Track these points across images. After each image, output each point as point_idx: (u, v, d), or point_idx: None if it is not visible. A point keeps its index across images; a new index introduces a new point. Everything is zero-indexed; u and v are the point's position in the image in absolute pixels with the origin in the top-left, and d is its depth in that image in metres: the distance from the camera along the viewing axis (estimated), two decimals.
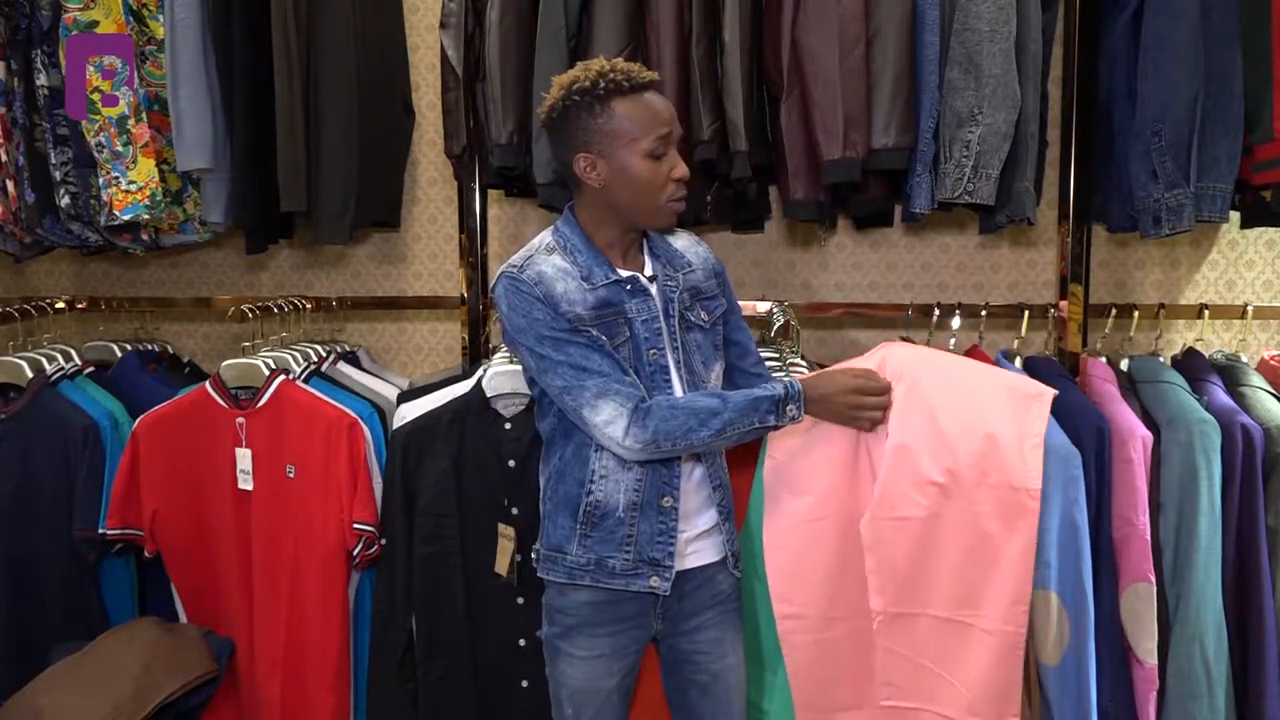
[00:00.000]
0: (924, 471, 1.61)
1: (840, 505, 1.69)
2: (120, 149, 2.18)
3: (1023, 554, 1.59)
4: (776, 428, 1.61)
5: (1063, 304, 2.14)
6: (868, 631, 1.69)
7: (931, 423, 1.63)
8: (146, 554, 2.20)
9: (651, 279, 1.66)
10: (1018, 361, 2.07)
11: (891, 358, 1.72)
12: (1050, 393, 1.65)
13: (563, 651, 1.69)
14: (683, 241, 1.74)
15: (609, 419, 1.56)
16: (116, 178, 2.18)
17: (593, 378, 1.56)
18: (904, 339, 1.99)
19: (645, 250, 1.69)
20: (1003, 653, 1.61)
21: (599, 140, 1.57)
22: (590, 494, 1.63)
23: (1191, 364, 2.06)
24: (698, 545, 1.68)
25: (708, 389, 1.66)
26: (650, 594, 1.66)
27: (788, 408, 1.58)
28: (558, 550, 1.66)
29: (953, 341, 2.15)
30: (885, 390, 1.66)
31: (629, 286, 1.62)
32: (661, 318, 1.63)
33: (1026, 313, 2.17)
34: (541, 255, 1.63)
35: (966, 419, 1.63)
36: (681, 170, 1.60)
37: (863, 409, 1.65)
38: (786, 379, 1.64)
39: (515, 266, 1.62)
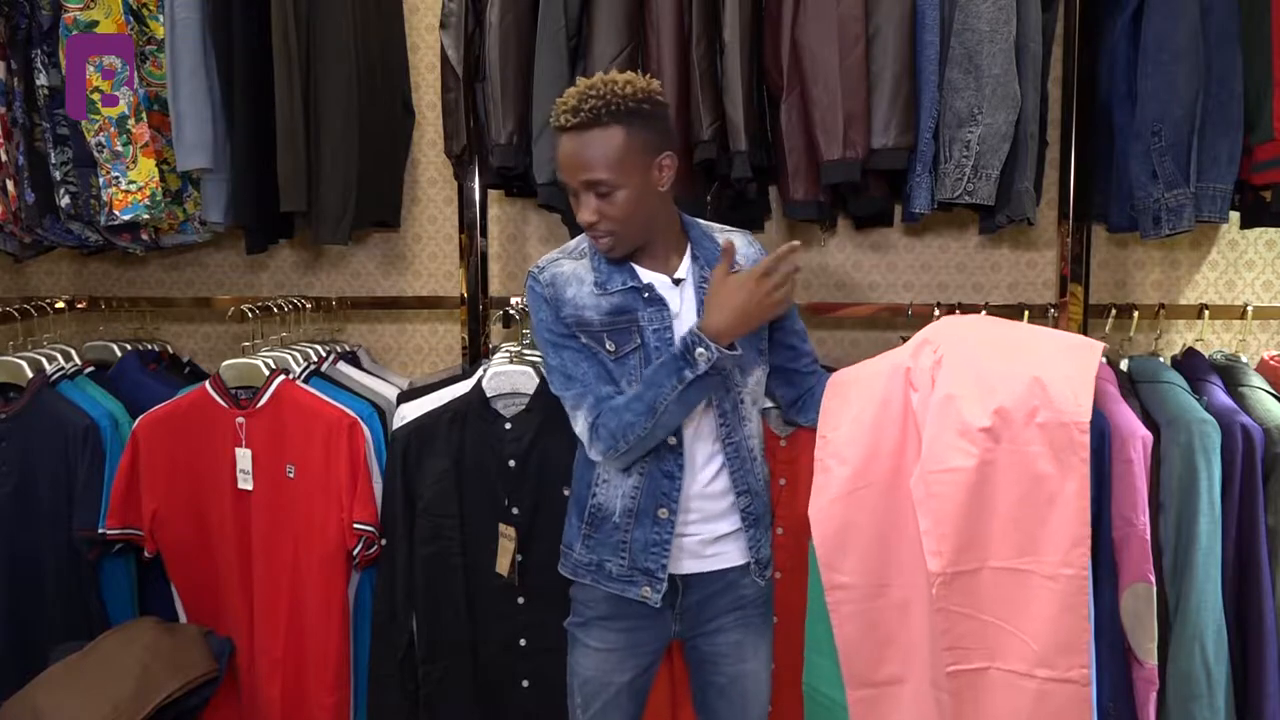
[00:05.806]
0: (971, 419, 1.57)
1: (887, 470, 1.64)
2: (120, 149, 2.18)
3: (1078, 492, 1.54)
4: (703, 378, 1.53)
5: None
6: (921, 600, 1.63)
7: (976, 372, 1.60)
8: (146, 554, 2.20)
9: (679, 282, 1.64)
10: None
11: (934, 333, 1.71)
12: (1100, 345, 1.63)
13: (579, 641, 1.73)
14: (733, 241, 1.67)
15: (582, 430, 1.61)
16: (116, 178, 2.18)
17: (574, 386, 1.61)
18: (903, 339, 1.99)
19: (688, 251, 1.66)
20: (1066, 598, 1.55)
21: None
22: (594, 496, 1.68)
23: (1191, 364, 2.05)
24: (719, 548, 1.68)
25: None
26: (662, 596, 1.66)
27: (696, 351, 1.51)
28: (568, 547, 1.73)
29: None
30: (777, 260, 1.55)
31: (646, 295, 1.62)
32: (675, 328, 1.61)
33: (1026, 313, 2.17)
34: (568, 258, 1.66)
35: (1012, 365, 1.60)
36: (581, 217, 1.57)
37: (772, 291, 1.54)
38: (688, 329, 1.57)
39: (538, 266, 1.66)
